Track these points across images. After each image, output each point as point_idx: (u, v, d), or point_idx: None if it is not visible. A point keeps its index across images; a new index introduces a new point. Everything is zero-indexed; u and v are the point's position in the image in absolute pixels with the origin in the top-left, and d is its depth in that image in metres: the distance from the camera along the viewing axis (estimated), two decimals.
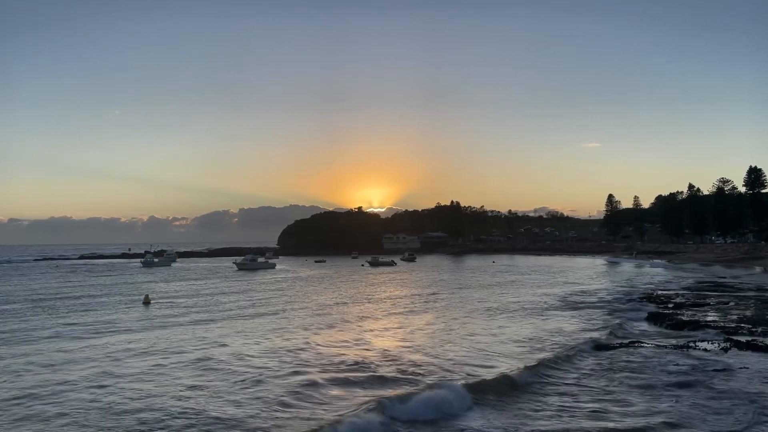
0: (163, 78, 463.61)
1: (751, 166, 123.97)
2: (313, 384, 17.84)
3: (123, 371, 20.34)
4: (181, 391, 17.47)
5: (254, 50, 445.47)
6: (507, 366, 20.02)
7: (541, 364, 19.98)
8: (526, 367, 19.11)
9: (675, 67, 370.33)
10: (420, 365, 20.39)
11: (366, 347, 24.63)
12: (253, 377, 18.91)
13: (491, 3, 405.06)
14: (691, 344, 23.05)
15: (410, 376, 18.79)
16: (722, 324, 28.29)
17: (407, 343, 25.59)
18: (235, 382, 18.47)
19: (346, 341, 26.45)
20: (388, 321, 34.07)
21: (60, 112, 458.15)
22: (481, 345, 24.87)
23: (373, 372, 19.46)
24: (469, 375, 18.88)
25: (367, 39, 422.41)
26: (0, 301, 48.42)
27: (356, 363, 20.92)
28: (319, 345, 25.17)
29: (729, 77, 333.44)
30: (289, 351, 23.90)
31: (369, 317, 35.91)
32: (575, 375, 19.01)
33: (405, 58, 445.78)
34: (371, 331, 30.23)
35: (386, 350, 23.71)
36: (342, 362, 21.22)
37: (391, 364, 20.62)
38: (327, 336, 28.08)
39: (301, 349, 24.19)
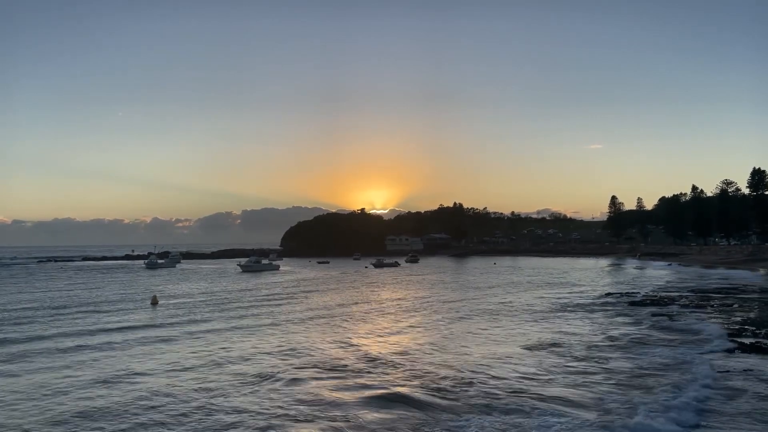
0: (165, 79, 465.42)
1: (754, 168, 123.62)
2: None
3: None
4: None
5: (256, 51, 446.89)
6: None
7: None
8: None
9: (678, 68, 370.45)
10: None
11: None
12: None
13: (493, 3, 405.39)
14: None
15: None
16: (726, 326, 28.41)
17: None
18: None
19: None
20: (445, 328, 32.12)
21: (62, 114, 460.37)
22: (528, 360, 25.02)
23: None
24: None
25: (370, 39, 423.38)
26: (15, 304, 48.76)
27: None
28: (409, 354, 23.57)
29: (733, 78, 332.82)
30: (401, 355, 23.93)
31: (429, 326, 34.02)
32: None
33: (407, 58, 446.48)
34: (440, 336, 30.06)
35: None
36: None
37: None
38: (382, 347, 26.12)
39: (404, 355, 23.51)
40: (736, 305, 37.31)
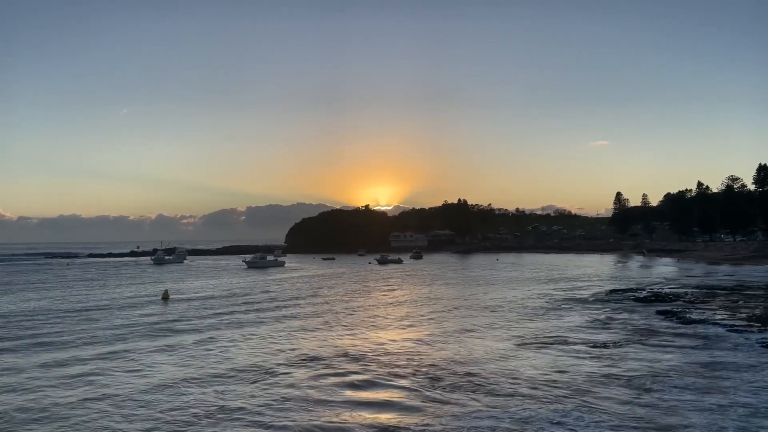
0: (169, 78, 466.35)
1: (760, 164, 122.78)
2: None
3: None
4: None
5: (260, 50, 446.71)
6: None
7: None
8: None
9: (684, 65, 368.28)
10: None
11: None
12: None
13: (496, 3, 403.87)
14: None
15: None
16: (731, 322, 28.44)
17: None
18: None
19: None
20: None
21: (67, 112, 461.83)
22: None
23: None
24: None
25: (373, 38, 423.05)
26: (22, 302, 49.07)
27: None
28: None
29: (738, 75, 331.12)
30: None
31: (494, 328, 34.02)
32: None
33: (411, 57, 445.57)
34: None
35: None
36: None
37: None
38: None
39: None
40: (741, 302, 37.30)
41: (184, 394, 17.48)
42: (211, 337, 28.15)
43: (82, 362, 22.49)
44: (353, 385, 18.37)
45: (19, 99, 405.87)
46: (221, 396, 17.22)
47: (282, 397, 16.97)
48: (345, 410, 15.62)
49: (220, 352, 24.39)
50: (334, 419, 14.89)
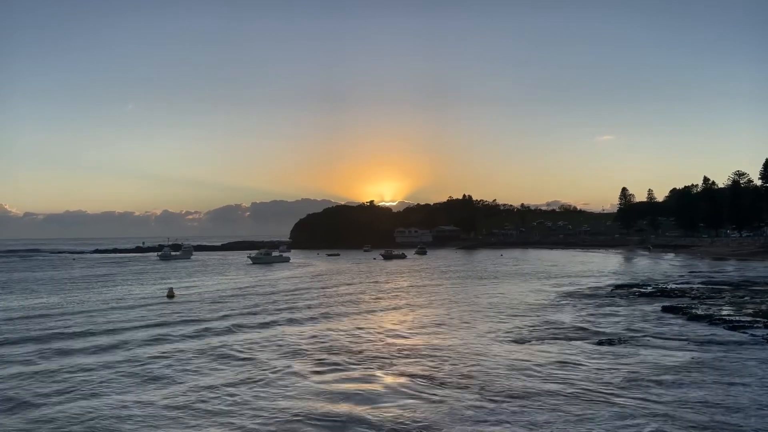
0: (174, 75, 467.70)
1: (767, 159, 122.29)
2: None
3: None
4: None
5: (266, 48, 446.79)
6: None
7: None
8: None
9: (689, 60, 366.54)
10: None
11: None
12: None
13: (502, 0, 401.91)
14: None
15: None
16: (737, 318, 28.34)
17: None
18: None
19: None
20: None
21: (73, 108, 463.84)
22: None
23: None
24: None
25: (378, 35, 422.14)
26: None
27: None
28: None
29: (744, 70, 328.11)
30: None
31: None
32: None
33: (416, 53, 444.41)
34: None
35: None
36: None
37: None
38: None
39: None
40: (747, 297, 37.11)
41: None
42: (225, 341, 28.30)
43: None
44: (356, 384, 18.43)
45: (24, 95, 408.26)
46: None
47: (287, 394, 17.09)
48: (347, 409, 15.70)
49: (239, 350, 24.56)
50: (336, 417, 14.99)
